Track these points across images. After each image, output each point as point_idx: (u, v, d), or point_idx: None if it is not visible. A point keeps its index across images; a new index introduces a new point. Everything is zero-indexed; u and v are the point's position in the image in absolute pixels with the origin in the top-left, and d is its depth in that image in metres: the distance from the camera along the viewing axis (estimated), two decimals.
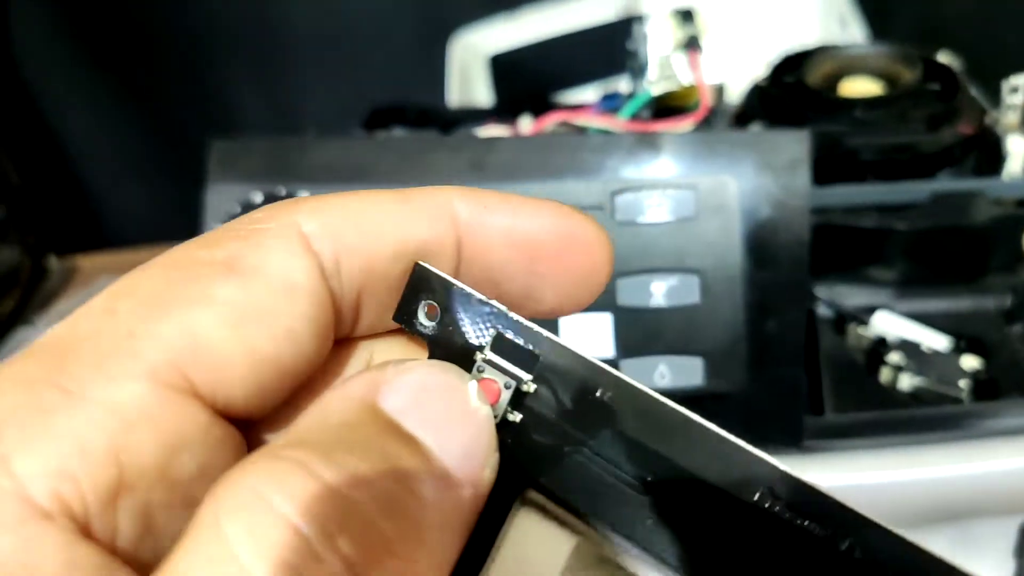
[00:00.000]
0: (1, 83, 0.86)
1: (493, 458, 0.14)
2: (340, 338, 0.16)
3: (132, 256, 0.97)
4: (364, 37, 0.90)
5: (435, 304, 0.16)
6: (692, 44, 0.45)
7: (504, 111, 0.58)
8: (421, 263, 0.16)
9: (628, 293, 0.33)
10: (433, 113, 0.67)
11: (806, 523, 0.13)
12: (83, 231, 0.94)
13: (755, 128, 0.46)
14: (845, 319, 0.42)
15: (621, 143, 0.35)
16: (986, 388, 0.38)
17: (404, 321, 0.16)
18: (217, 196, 0.38)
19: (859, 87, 0.49)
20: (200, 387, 0.13)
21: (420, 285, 0.16)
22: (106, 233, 0.96)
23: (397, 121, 0.65)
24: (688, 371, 0.34)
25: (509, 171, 0.35)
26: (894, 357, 0.39)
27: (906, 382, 0.39)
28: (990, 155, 0.45)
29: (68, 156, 0.93)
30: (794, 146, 0.34)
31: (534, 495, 0.15)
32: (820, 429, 0.36)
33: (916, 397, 0.39)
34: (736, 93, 0.53)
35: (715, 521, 0.13)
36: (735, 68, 0.55)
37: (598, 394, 0.14)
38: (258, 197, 0.37)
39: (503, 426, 0.15)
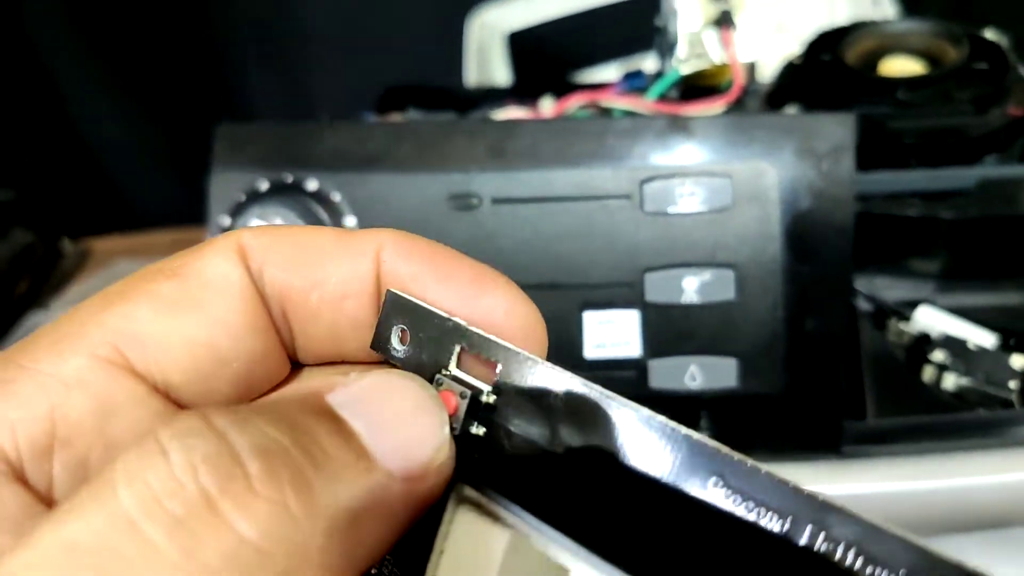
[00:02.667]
0: (16, 68, 0.85)
1: (438, 461, 0.15)
2: (295, 360, 0.18)
3: (146, 239, 0.96)
4: (379, 17, 0.89)
5: (406, 328, 0.16)
6: (725, 20, 0.42)
7: (524, 91, 0.56)
8: (392, 290, 0.16)
9: (658, 288, 0.31)
10: (449, 94, 0.64)
11: (761, 511, 0.13)
12: (97, 214, 0.94)
13: (792, 110, 0.43)
14: (885, 313, 0.40)
15: (650, 127, 0.32)
16: None
17: (380, 348, 0.17)
18: (221, 183, 0.36)
19: (900, 66, 0.46)
20: (137, 365, 0.16)
21: (392, 311, 0.16)
22: (120, 216, 0.95)
23: (412, 102, 0.63)
24: (721, 372, 0.32)
25: (530, 157, 0.33)
26: (938, 355, 0.37)
27: (951, 382, 0.37)
28: None
29: (82, 140, 0.92)
30: (838, 130, 0.31)
31: (469, 492, 0.15)
32: (861, 434, 0.34)
33: (961, 398, 0.36)
34: (767, 72, 0.50)
35: (664, 514, 0.14)
36: (764, 46, 0.52)
37: (559, 401, 0.15)
38: (264, 184, 0.35)
39: (465, 438, 0.15)
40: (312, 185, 0.34)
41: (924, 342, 0.38)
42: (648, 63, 0.56)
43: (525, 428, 0.15)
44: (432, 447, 0.15)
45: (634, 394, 0.31)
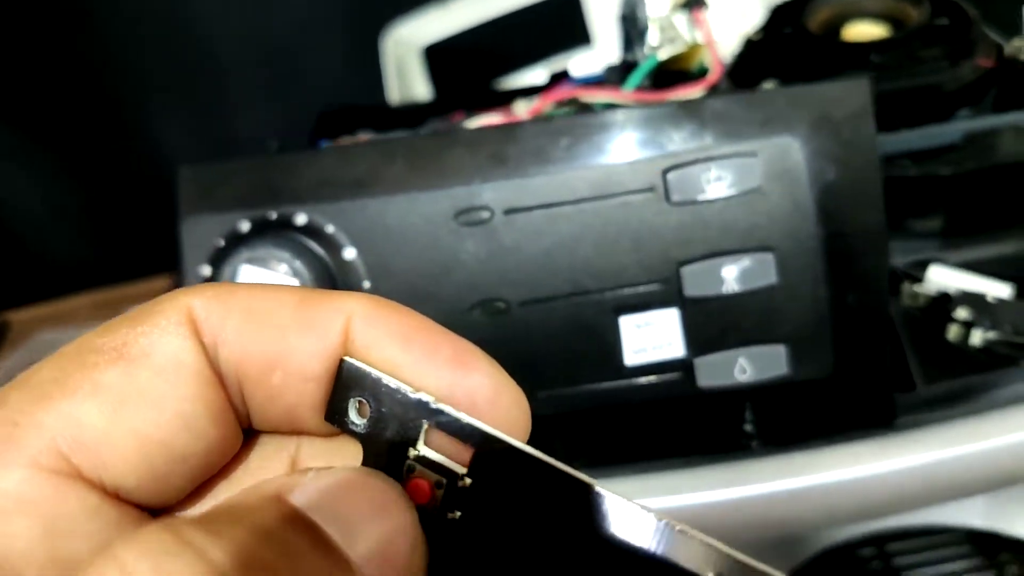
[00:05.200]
0: None
1: (415, 559, 0.14)
2: (246, 428, 0.16)
3: (67, 304, 0.90)
4: (290, 48, 0.86)
5: (365, 401, 0.15)
6: (695, 1, 0.41)
7: (471, 100, 0.53)
8: (348, 359, 0.15)
9: (695, 282, 0.29)
10: (389, 111, 0.62)
11: None
12: (13, 285, 0.88)
13: (769, 86, 0.42)
14: (898, 278, 0.39)
15: (660, 114, 0.31)
16: None
17: (335, 420, 0.15)
18: (194, 230, 0.33)
19: (863, 31, 0.46)
20: (87, 472, 0.14)
21: (349, 382, 0.15)
22: (37, 284, 0.90)
23: (355, 124, 0.60)
24: (771, 361, 0.30)
25: (536, 160, 0.31)
26: (961, 312, 0.36)
27: (978, 337, 0.36)
28: (1014, 87, 0.43)
29: None
30: (854, 96, 0.30)
31: None
32: (914, 405, 0.32)
33: (991, 352, 0.36)
34: (725, 52, 0.49)
35: None
36: (716, 26, 0.51)
37: (541, 487, 0.14)
38: (245, 225, 0.32)
39: (442, 524, 0.14)
40: (301, 219, 0.31)
41: (944, 301, 0.37)
42: (572, 63, 0.54)
43: (503, 513, 0.14)
44: (406, 549, 0.14)
45: (684, 395, 0.29)
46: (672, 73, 0.44)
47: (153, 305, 0.15)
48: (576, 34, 0.74)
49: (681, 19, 0.42)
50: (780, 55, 0.45)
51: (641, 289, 0.30)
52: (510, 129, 0.31)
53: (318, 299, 0.15)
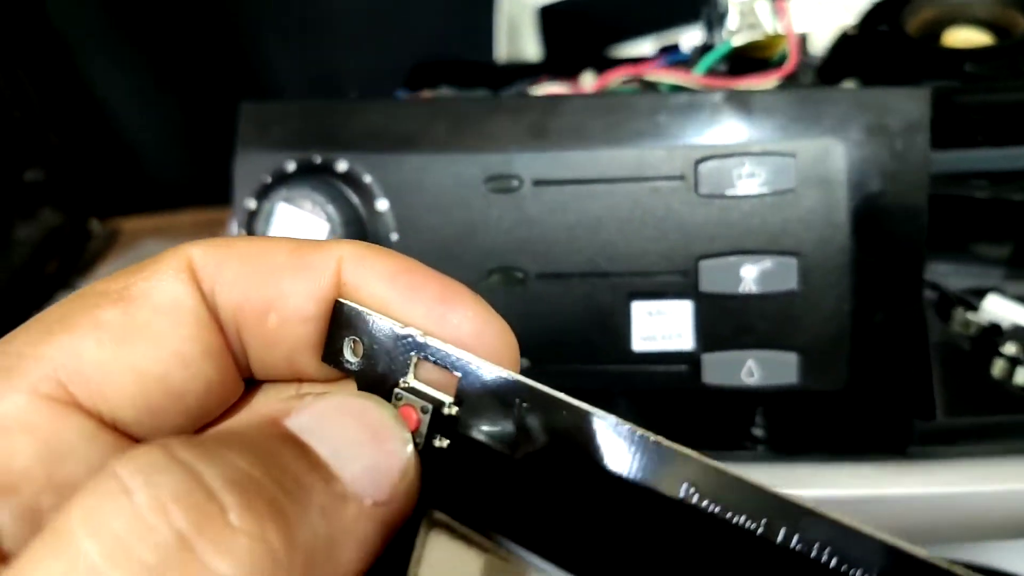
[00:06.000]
0: (43, 51, 0.85)
1: (406, 481, 0.14)
2: (248, 376, 0.17)
3: (172, 219, 0.95)
4: None
5: (359, 340, 0.16)
6: None
7: (559, 66, 0.53)
8: (341, 300, 0.16)
9: (713, 278, 0.29)
10: (482, 69, 0.62)
11: (735, 516, 0.13)
12: (125, 195, 0.94)
13: (849, 85, 0.41)
14: (951, 302, 0.37)
15: (706, 102, 0.30)
16: None
17: (331, 360, 0.16)
18: (247, 164, 0.34)
19: (964, 38, 0.43)
20: (84, 401, 0.14)
21: (343, 322, 0.16)
22: (147, 197, 0.95)
23: (443, 79, 0.61)
24: (781, 368, 0.29)
25: (574, 136, 0.31)
26: (1010, 347, 0.34)
27: (1023, 376, 0.34)
28: None
29: (110, 120, 0.93)
30: (912, 106, 0.29)
31: (439, 515, 0.15)
32: (930, 434, 0.31)
33: None
34: (818, 45, 0.47)
35: (636, 525, 0.13)
36: (816, 17, 0.49)
37: (523, 410, 0.14)
38: (291, 165, 0.33)
39: (429, 452, 0.15)
40: (342, 166, 0.33)
41: (994, 333, 0.35)
42: (684, 38, 0.53)
43: (489, 439, 0.14)
44: (399, 469, 0.14)
45: (687, 389, 0.28)
46: (753, 61, 0.43)
47: (157, 257, 0.16)
48: (693, 9, 0.72)
49: (764, 6, 0.40)
50: (870, 54, 0.43)
51: (658, 277, 0.30)
52: (555, 101, 0.31)
53: (311, 245, 0.16)
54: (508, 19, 0.79)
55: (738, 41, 0.40)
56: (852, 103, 0.29)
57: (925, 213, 0.29)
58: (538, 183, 0.31)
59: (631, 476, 0.13)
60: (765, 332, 0.29)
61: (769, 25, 0.40)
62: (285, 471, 0.13)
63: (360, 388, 0.16)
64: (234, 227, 0.35)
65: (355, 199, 0.32)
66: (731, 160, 0.29)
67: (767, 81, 0.39)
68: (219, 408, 0.16)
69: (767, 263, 0.29)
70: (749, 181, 0.29)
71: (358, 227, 0.32)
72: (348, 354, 0.16)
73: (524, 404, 0.14)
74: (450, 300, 0.16)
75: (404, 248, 0.32)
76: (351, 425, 0.14)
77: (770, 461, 0.32)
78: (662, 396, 0.31)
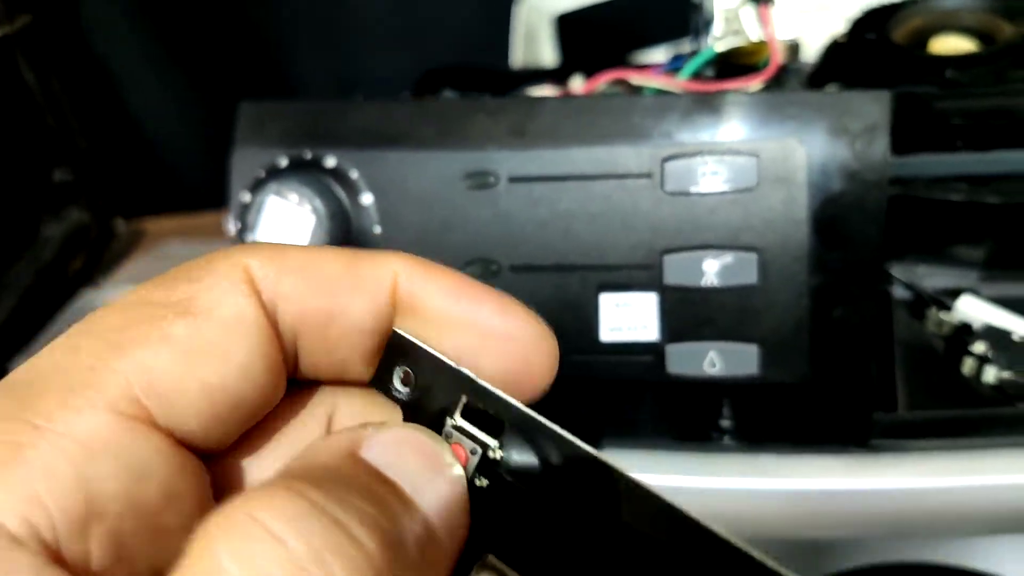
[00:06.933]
0: (72, 52, 0.87)
1: (465, 517, 0.15)
2: (289, 377, 0.17)
3: (197, 220, 0.98)
4: (428, 3, 0.88)
5: (409, 371, 0.16)
6: None
7: (566, 72, 0.55)
8: (397, 330, 0.16)
9: (677, 271, 0.30)
10: (488, 75, 0.64)
11: None
12: (150, 195, 0.96)
13: (830, 89, 0.41)
14: (925, 302, 0.38)
15: (676, 104, 0.31)
16: None
17: (380, 387, 0.17)
18: (243, 160, 0.36)
19: (951, 45, 0.44)
20: (159, 418, 0.14)
21: (396, 351, 0.16)
22: (172, 197, 0.97)
23: (450, 84, 0.63)
24: (742, 359, 0.30)
25: (552, 136, 0.32)
26: (979, 346, 0.35)
27: (991, 375, 0.35)
28: None
29: (136, 121, 0.94)
30: (872, 109, 0.30)
31: (493, 560, 0.15)
32: (891, 427, 0.32)
33: (1002, 391, 0.34)
34: (812, 51, 0.48)
35: None
36: (808, 24, 0.50)
37: (563, 463, 0.14)
38: (283, 161, 0.35)
39: (470, 490, 0.15)
40: (331, 162, 0.34)
41: (965, 333, 0.36)
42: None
43: (525, 483, 0.15)
44: (461, 505, 0.15)
45: (652, 379, 0.30)
46: (738, 67, 0.44)
47: (209, 263, 0.16)
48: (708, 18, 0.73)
49: (749, 12, 0.41)
50: (856, 61, 0.44)
51: (625, 270, 0.31)
52: (533, 103, 0.33)
53: (366, 258, 0.17)
54: (526, 27, 0.81)
55: (721, 47, 0.41)
56: (814, 106, 0.30)
57: (883, 213, 0.30)
58: (514, 180, 0.32)
59: (645, 531, 0.14)
60: (726, 324, 0.30)
61: (753, 32, 0.41)
62: (390, 510, 0.13)
63: (406, 417, 0.16)
64: (230, 221, 0.37)
65: (341, 193, 0.34)
66: (696, 159, 0.30)
67: (749, 85, 0.41)
68: (265, 411, 0.17)
69: (728, 258, 0.30)
70: (712, 179, 0.30)
71: (343, 220, 0.33)
72: (398, 383, 0.16)
73: (566, 460, 0.15)
74: (509, 311, 0.16)
75: (386, 240, 0.33)
76: (417, 459, 0.15)
77: (736, 451, 0.33)
78: (630, 386, 0.32)
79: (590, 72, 0.51)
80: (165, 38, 0.89)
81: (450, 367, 0.16)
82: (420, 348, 0.16)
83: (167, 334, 0.15)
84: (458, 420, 0.16)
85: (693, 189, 0.30)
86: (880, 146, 0.30)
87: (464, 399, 0.16)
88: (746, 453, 0.33)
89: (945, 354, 0.36)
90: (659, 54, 0.71)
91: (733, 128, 0.30)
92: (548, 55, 0.79)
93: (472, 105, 0.33)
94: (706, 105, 0.31)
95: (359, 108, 0.35)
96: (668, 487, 0.32)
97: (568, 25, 0.80)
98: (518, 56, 0.79)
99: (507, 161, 0.32)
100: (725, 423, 0.33)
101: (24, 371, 0.15)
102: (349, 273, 0.16)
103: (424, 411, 0.16)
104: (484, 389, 0.15)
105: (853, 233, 0.30)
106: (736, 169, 0.30)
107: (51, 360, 0.14)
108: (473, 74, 0.66)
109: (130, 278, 0.90)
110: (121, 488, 0.14)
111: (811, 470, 0.32)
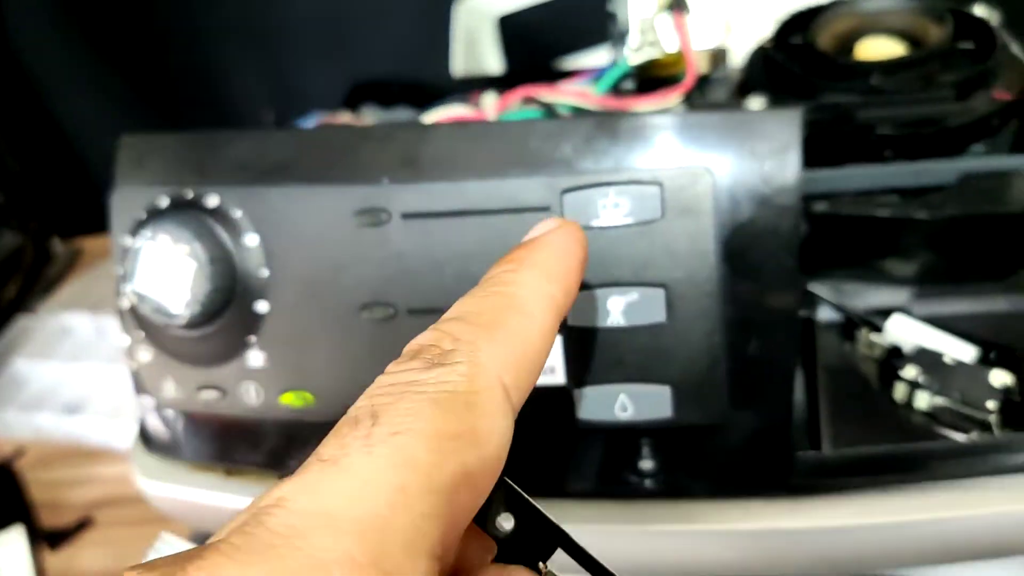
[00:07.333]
0: (1, 71, 0.84)
1: None
2: None
3: None
4: (364, 8, 0.86)
5: (512, 515, 0.19)
6: (677, 4, 0.39)
7: (510, 80, 0.52)
8: (507, 480, 0.19)
9: (581, 311, 0.28)
10: (417, 88, 0.62)
11: None
12: (87, 214, 0.93)
13: (756, 101, 0.40)
14: (854, 324, 0.36)
15: (576, 129, 0.29)
16: (1019, 410, 0.32)
17: (482, 523, 0.19)
18: (123, 200, 0.33)
19: (878, 49, 0.42)
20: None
21: (505, 497, 0.19)
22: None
23: (376, 98, 0.60)
24: (654, 402, 0.28)
25: (444, 166, 0.30)
26: (910, 371, 0.33)
27: (924, 401, 0.33)
28: None
29: (69, 140, 0.92)
30: (782, 129, 0.28)
31: None
32: (814, 467, 0.30)
33: (935, 418, 0.33)
34: (741, 59, 0.47)
35: None
36: (741, 30, 0.48)
37: None
38: (164, 201, 0.32)
39: None
40: (213, 201, 0.32)
41: (895, 356, 0.34)
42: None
43: None
44: None
45: (563, 426, 0.27)
46: (660, 79, 0.42)
47: (477, 379, 0.19)
48: None
49: (666, 22, 0.39)
50: (781, 68, 0.42)
51: None
52: (424, 131, 0.31)
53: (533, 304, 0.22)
54: (466, 31, 0.78)
55: (635, 60, 0.39)
56: (720, 129, 0.28)
57: (797, 239, 0.28)
58: (406, 216, 0.30)
59: None
60: (636, 365, 0.28)
61: (669, 42, 0.39)
62: None
63: (500, 553, 0.19)
64: (117, 265, 0.34)
65: (224, 235, 0.31)
66: (596, 190, 0.28)
67: (667, 99, 0.39)
68: None
69: (633, 295, 0.28)
70: (614, 211, 0.28)
71: (226, 264, 0.31)
72: (500, 523, 0.19)
73: None
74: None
75: (274, 284, 0.31)
76: None
77: (658, 497, 0.31)
78: (543, 434, 0.30)
79: (531, 77, 0.49)
80: (97, 55, 0.86)
81: (549, 521, 0.19)
82: (525, 500, 0.19)
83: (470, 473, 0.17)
84: (550, 567, 0.19)
85: (595, 223, 0.28)
86: (791, 168, 0.28)
87: (557, 550, 0.19)
88: (668, 500, 0.31)
89: (877, 379, 0.35)
90: (602, 56, 0.69)
91: (636, 155, 0.28)
92: (491, 59, 0.77)
93: (360, 132, 0.31)
94: (606, 130, 0.29)
95: (243, 139, 0.32)
96: (592, 535, 0.30)
97: (510, 27, 0.78)
98: (459, 61, 0.76)
99: (399, 196, 0.30)
100: (645, 466, 0.30)
101: None
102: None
103: (519, 551, 0.19)
104: (576, 546, 0.19)
105: (766, 261, 0.28)
106: (639, 200, 0.27)
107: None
108: (401, 87, 0.63)
109: (71, 300, 0.87)
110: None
111: (731, 515, 0.30)
